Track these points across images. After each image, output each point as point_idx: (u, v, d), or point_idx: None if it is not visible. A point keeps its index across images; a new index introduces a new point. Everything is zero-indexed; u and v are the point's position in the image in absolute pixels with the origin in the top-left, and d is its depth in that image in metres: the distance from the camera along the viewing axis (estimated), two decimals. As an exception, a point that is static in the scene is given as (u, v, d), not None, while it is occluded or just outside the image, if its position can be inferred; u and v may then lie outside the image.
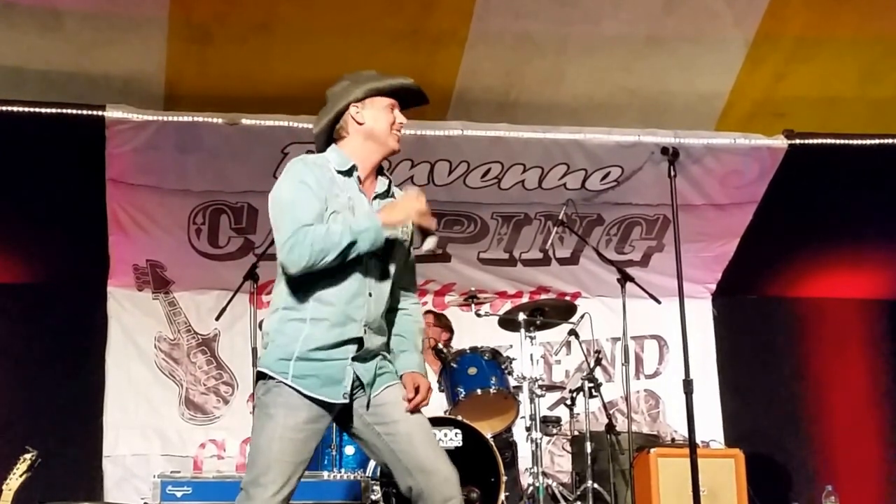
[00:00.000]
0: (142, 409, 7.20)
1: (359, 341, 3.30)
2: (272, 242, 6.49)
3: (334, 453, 5.77)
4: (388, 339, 3.48)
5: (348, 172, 3.39)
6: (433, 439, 3.40)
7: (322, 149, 3.48)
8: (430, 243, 3.40)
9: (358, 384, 3.32)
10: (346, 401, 3.30)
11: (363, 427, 3.36)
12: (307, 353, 3.25)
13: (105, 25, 6.06)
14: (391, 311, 3.49)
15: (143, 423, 7.17)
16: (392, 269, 3.44)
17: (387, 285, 3.41)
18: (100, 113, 6.19)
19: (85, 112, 6.19)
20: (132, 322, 7.29)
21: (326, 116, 3.45)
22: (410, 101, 3.52)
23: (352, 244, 3.21)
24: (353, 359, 3.30)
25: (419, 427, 3.36)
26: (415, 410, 3.37)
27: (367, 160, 3.43)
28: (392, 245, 3.38)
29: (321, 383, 3.25)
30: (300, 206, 3.25)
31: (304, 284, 3.29)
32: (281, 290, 3.34)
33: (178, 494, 5.09)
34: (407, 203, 3.36)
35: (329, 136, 3.47)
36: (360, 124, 3.42)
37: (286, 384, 3.23)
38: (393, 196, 3.50)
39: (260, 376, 3.30)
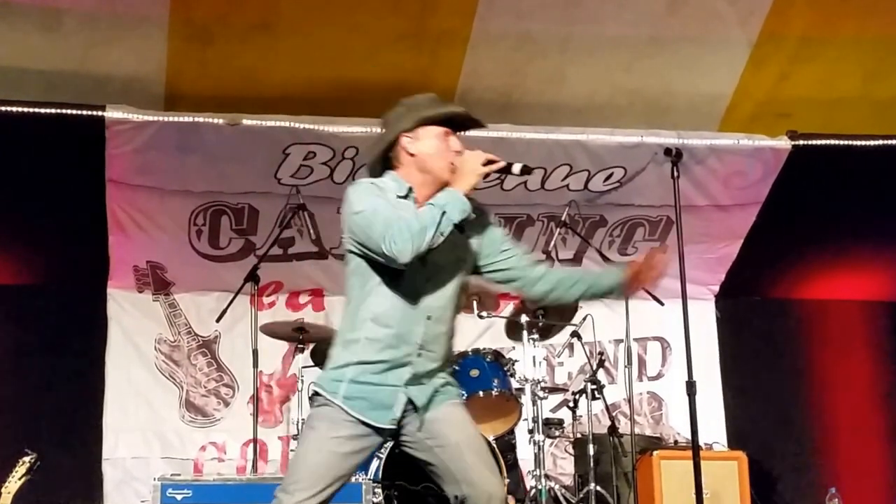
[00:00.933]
0: (142, 411, 7.16)
1: (410, 364, 3.28)
2: (273, 243, 6.67)
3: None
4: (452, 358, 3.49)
5: (405, 196, 3.35)
6: (484, 453, 3.38)
7: (377, 175, 3.42)
8: (517, 168, 3.43)
9: (411, 407, 3.30)
10: (394, 427, 3.29)
11: (414, 440, 3.34)
12: (359, 376, 3.25)
13: (105, 25, 6.03)
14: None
15: (143, 425, 7.14)
16: (454, 288, 3.37)
17: (449, 307, 3.37)
18: (100, 113, 6.17)
19: (85, 112, 6.16)
20: (132, 324, 7.25)
21: (380, 145, 3.41)
22: (464, 126, 3.48)
23: (443, 215, 3.18)
24: (407, 383, 3.29)
25: (471, 439, 3.35)
26: (467, 427, 3.36)
27: (421, 191, 3.36)
28: (457, 259, 3.34)
29: (370, 407, 3.25)
30: (383, 208, 3.23)
31: (364, 308, 3.28)
32: (343, 317, 3.36)
33: (179, 497, 5.07)
34: (468, 162, 3.32)
35: (384, 163, 3.42)
36: (413, 155, 3.36)
37: (335, 403, 3.25)
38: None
39: (315, 393, 3.33)
